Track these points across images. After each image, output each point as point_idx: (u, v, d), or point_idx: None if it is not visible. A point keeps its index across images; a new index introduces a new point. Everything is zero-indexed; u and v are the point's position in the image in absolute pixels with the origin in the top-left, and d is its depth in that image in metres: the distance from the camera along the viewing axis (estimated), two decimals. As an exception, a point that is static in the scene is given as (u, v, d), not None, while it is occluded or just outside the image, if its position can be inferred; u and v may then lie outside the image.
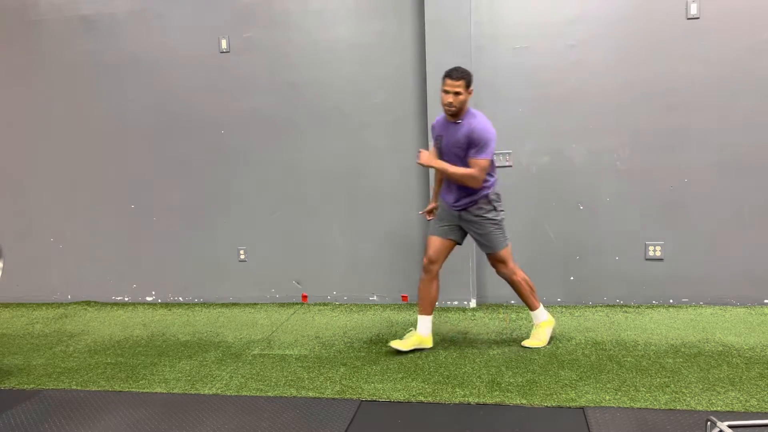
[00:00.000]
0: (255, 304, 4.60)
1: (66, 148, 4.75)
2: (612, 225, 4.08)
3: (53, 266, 4.91)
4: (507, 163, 4.15)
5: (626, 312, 3.96)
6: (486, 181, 3.23)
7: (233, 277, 4.64)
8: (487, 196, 3.26)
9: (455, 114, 3.18)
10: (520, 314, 4.00)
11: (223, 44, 4.42)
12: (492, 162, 3.24)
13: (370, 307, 4.35)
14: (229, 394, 2.95)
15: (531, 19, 4.02)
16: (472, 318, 3.97)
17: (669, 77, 3.90)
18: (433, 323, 3.87)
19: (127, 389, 3.06)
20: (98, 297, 4.88)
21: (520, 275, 3.38)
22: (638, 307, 4.06)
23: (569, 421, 2.53)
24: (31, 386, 3.16)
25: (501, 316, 4.00)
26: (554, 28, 4.00)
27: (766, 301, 3.97)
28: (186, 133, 4.56)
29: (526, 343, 3.40)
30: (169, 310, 4.56)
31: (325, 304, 4.47)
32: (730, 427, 1.97)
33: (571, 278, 4.17)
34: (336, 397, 2.85)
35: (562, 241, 4.16)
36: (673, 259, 4.03)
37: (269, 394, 2.92)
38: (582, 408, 2.63)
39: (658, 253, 4.04)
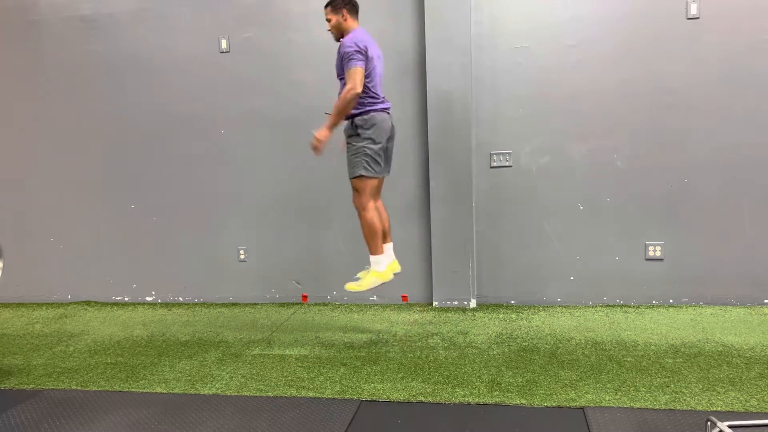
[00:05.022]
0: (255, 304, 4.60)
1: (66, 148, 4.75)
2: (612, 225, 4.08)
3: (53, 266, 4.91)
4: (507, 163, 4.15)
5: (626, 312, 3.96)
6: (363, 100, 3.22)
7: (233, 277, 4.64)
8: (353, 119, 3.27)
9: (339, 39, 3.32)
10: (520, 314, 4.01)
11: (223, 44, 4.42)
12: (366, 85, 3.22)
13: (370, 307, 4.35)
14: (229, 394, 2.94)
15: (531, 19, 4.02)
16: (472, 318, 3.97)
17: (669, 77, 3.90)
18: (425, 315, 3.88)
19: (127, 389, 3.06)
20: (98, 297, 4.88)
21: (369, 215, 3.33)
22: (638, 307, 4.06)
23: (569, 421, 2.53)
24: (31, 386, 3.15)
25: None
26: (554, 28, 4.00)
27: (766, 301, 3.97)
28: (186, 133, 4.57)
29: (347, 285, 3.45)
30: (169, 310, 4.56)
31: (325, 304, 4.47)
32: (730, 427, 1.97)
33: (571, 278, 4.17)
34: (336, 397, 2.85)
35: (562, 241, 4.16)
36: (673, 259, 4.03)
37: (269, 394, 2.92)
38: (582, 408, 2.63)
39: (658, 253, 4.05)
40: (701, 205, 3.96)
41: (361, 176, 3.31)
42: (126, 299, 4.85)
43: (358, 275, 3.59)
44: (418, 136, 4.24)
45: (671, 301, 4.08)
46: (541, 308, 4.13)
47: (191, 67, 4.49)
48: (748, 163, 3.88)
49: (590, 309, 4.06)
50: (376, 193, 3.49)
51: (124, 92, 4.62)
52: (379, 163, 3.34)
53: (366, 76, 3.24)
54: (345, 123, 3.38)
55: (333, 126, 3.27)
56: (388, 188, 4.30)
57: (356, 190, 3.37)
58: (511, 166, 4.16)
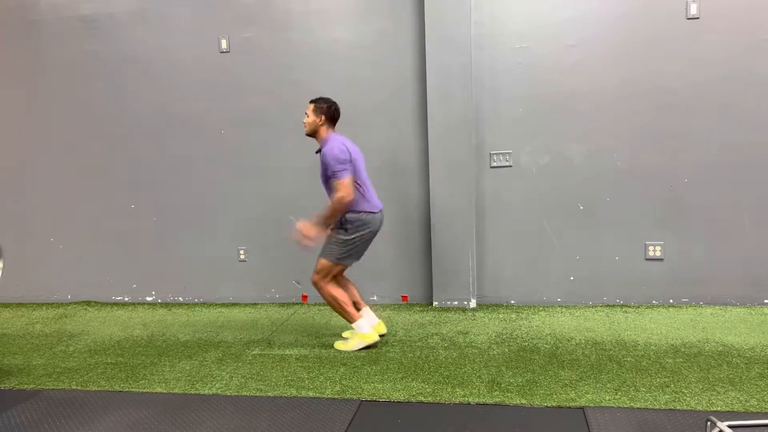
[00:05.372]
0: (255, 304, 4.60)
1: (66, 148, 4.75)
2: (612, 225, 4.08)
3: (53, 266, 4.91)
4: (507, 163, 4.15)
5: (626, 312, 3.96)
6: (356, 200, 3.31)
7: (233, 277, 4.64)
8: (342, 217, 3.34)
9: (310, 135, 3.44)
10: (520, 314, 4.01)
11: (223, 44, 4.42)
12: (358, 184, 3.33)
13: (370, 307, 4.34)
14: (229, 394, 2.94)
15: (531, 19, 4.02)
16: (472, 318, 3.97)
17: (669, 77, 3.90)
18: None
19: (127, 389, 3.06)
20: (98, 297, 4.88)
21: (327, 290, 3.41)
22: (638, 307, 4.06)
23: (569, 421, 2.53)
24: (31, 386, 3.15)
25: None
26: (554, 28, 4.00)
27: (766, 301, 3.97)
28: (186, 133, 4.57)
29: (336, 344, 3.49)
30: (169, 310, 4.56)
31: (325, 304, 4.47)
32: (730, 427, 1.97)
33: (571, 278, 4.17)
34: (336, 397, 2.85)
35: (562, 241, 4.16)
36: (673, 259, 4.03)
37: (269, 394, 2.92)
38: (582, 408, 2.63)
39: (658, 253, 4.05)
40: (701, 205, 3.96)
41: (330, 261, 3.39)
42: (126, 299, 4.85)
43: (345, 334, 3.64)
44: (418, 136, 4.23)
45: (671, 301, 4.08)
46: (541, 308, 4.13)
47: (191, 67, 4.49)
48: (748, 163, 3.88)
49: (590, 309, 4.06)
50: (339, 274, 3.52)
51: (124, 92, 4.62)
52: (353, 257, 3.43)
53: (356, 179, 3.33)
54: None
55: (323, 226, 3.34)
56: (388, 188, 4.32)
57: (320, 268, 3.41)
58: (511, 166, 4.16)
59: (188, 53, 4.48)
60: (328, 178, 3.32)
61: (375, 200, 3.44)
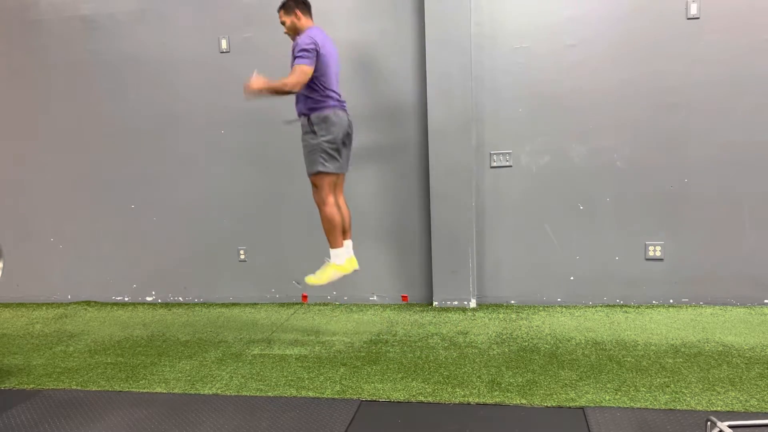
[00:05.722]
0: (255, 304, 4.60)
1: (66, 148, 4.75)
2: (612, 225, 4.08)
3: (53, 266, 4.91)
4: (507, 163, 4.15)
5: (626, 312, 3.96)
6: (318, 97, 3.28)
7: (233, 277, 4.64)
8: (308, 116, 3.32)
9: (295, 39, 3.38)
10: (520, 314, 4.01)
11: (223, 44, 4.42)
12: (322, 84, 3.29)
13: (370, 307, 4.35)
14: (229, 394, 2.95)
15: (531, 19, 4.02)
16: (472, 318, 3.97)
17: (669, 77, 3.90)
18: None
19: (127, 389, 3.06)
20: (98, 297, 4.88)
21: (328, 210, 3.42)
22: (638, 307, 4.06)
23: (569, 421, 2.53)
24: (31, 386, 3.15)
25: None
26: (554, 28, 4.00)
27: (766, 301, 3.97)
28: (186, 133, 4.57)
29: (307, 278, 3.52)
30: (169, 310, 4.56)
31: (325, 304, 4.47)
32: (730, 427, 1.97)
33: (571, 278, 4.18)
34: (336, 397, 2.85)
35: (562, 241, 4.16)
36: (673, 259, 4.03)
37: (269, 394, 2.92)
38: (582, 408, 2.63)
39: (658, 253, 4.05)
40: (701, 205, 3.96)
41: (319, 172, 3.39)
42: (126, 299, 4.85)
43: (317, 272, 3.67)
44: (418, 136, 4.23)
45: (671, 301, 4.08)
46: (541, 308, 4.13)
47: (191, 67, 4.49)
48: (748, 163, 3.88)
49: (590, 309, 4.06)
50: (337, 189, 3.55)
51: (124, 92, 4.62)
52: (336, 159, 3.40)
53: (321, 75, 3.31)
54: (302, 119, 3.43)
55: (263, 89, 3.25)
56: (388, 188, 4.32)
57: (315, 186, 3.45)
58: (511, 166, 4.16)
59: (188, 53, 4.48)
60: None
61: (338, 94, 3.42)
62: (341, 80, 4.28)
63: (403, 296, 4.42)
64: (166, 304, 4.71)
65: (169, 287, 4.76)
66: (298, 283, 4.56)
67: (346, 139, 3.45)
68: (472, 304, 4.23)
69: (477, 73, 4.11)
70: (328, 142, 3.35)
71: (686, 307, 3.99)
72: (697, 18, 3.83)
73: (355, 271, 3.62)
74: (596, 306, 4.13)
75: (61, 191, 4.81)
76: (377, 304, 4.42)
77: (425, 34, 4.06)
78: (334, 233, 3.46)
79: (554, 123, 4.06)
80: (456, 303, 4.24)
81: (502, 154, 4.15)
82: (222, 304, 4.65)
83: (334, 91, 3.39)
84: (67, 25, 4.62)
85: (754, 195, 3.90)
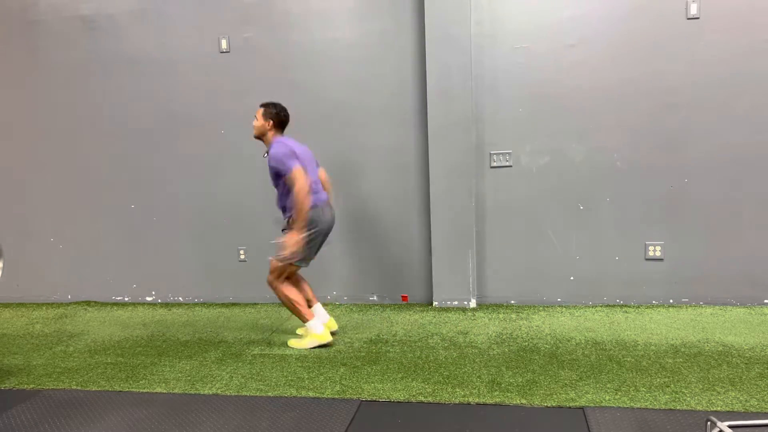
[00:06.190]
0: (255, 304, 4.60)
1: (66, 148, 4.75)
2: (612, 225, 4.08)
3: (53, 266, 4.91)
4: (507, 163, 4.15)
5: (626, 312, 3.96)
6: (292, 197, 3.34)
7: (233, 277, 4.64)
8: (290, 216, 3.39)
9: (258, 138, 3.53)
10: (520, 314, 4.01)
11: (223, 44, 4.42)
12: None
13: (370, 307, 4.35)
14: (229, 394, 2.94)
15: (531, 19, 4.02)
16: (472, 318, 3.97)
17: (669, 77, 3.90)
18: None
19: (127, 389, 3.06)
20: (98, 297, 4.88)
21: (282, 290, 3.47)
22: (638, 307, 4.06)
23: (569, 421, 2.53)
24: (31, 386, 3.15)
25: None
26: (554, 28, 4.00)
27: (766, 301, 3.97)
28: (186, 133, 4.57)
29: (290, 341, 3.57)
30: (169, 310, 4.56)
31: (325, 304, 4.47)
32: (730, 427, 1.97)
33: (571, 278, 4.18)
34: (336, 397, 2.85)
35: (562, 241, 4.16)
36: (673, 259, 4.03)
37: (269, 394, 2.92)
38: (582, 408, 2.63)
39: (658, 253, 4.05)
40: (701, 205, 3.96)
41: (281, 262, 3.42)
42: (126, 299, 4.85)
43: (299, 331, 3.73)
44: (418, 136, 4.23)
45: (671, 301, 4.08)
46: (541, 308, 4.13)
47: (191, 67, 4.49)
48: (748, 163, 3.88)
49: (590, 309, 4.06)
50: (293, 274, 3.57)
51: (124, 92, 4.62)
52: (305, 258, 3.45)
53: None
54: (285, 217, 3.47)
55: (301, 228, 3.33)
56: (388, 188, 4.32)
57: (273, 269, 3.47)
58: (511, 166, 4.16)
59: (188, 53, 4.48)
60: (278, 180, 3.38)
61: (322, 194, 3.47)
62: (341, 81, 4.31)
63: (403, 296, 4.42)
64: (166, 304, 4.71)
65: (169, 287, 4.76)
66: (298, 283, 4.55)
67: (323, 237, 3.49)
68: (472, 304, 4.23)
69: (477, 73, 4.11)
70: (314, 240, 3.41)
71: (686, 307, 3.99)
72: (697, 18, 3.83)
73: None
74: (596, 306, 4.13)
75: (61, 191, 4.81)
76: (377, 304, 4.42)
77: (425, 34, 4.06)
78: (297, 310, 3.49)
79: (554, 123, 4.07)
80: (456, 303, 4.24)
81: (502, 154, 4.15)
82: (222, 304, 4.65)
83: (316, 189, 3.44)
84: (67, 25, 4.62)
85: (754, 195, 3.90)
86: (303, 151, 3.46)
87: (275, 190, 3.50)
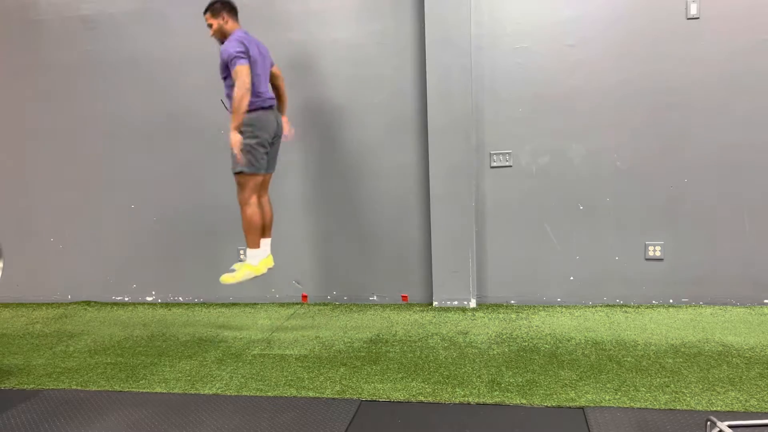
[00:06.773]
0: (255, 304, 4.60)
1: (66, 148, 4.75)
2: (612, 225, 4.08)
3: (53, 266, 4.91)
4: (507, 163, 4.15)
5: (626, 312, 3.96)
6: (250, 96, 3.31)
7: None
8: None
9: (222, 41, 3.46)
10: (520, 314, 4.01)
11: (223, 44, 4.42)
12: (252, 82, 3.33)
13: (370, 307, 4.35)
14: (229, 394, 2.95)
15: (531, 19, 4.02)
16: (472, 318, 3.98)
17: (669, 77, 3.90)
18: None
19: (127, 389, 3.06)
20: (98, 297, 4.88)
21: (248, 211, 3.47)
22: (638, 307, 4.06)
23: (569, 421, 2.53)
24: (31, 386, 3.16)
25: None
26: (554, 28, 4.00)
27: (766, 301, 3.97)
28: (186, 133, 4.57)
29: (222, 277, 3.58)
30: (169, 310, 4.56)
31: (325, 304, 4.47)
32: (730, 427, 1.97)
33: (571, 278, 4.18)
34: (336, 397, 2.85)
35: (562, 241, 4.16)
36: (673, 259, 4.03)
37: (269, 394, 2.92)
38: (582, 408, 2.63)
39: (658, 253, 4.05)
40: (701, 205, 3.96)
41: (242, 172, 3.42)
42: (126, 299, 4.85)
43: (234, 266, 3.72)
44: (418, 136, 4.23)
45: (671, 301, 4.08)
46: (541, 308, 4.13)
47: (191, 67, 4.49)
48: (748, 163, 3.88)
49: (590, 309, 4.07)
50: (261, 189, 3.59)
51: (124, 92, 4.62)
52: (261, 160, 3.44)
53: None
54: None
55: (238, 127, 3.32)
56: (388, 188, 4.32)
57: (238, 185, 3.48)
58: (511, 166, 4.16)
59: (188, 53, 4.48)
60: (226, 73, 3.34)
61: (267, 100, 3.46)
62: (341, 81, 4.30)
63: (403, 296, 4.42)
64: (166, 304, 4.71)
65: (169, 287, 4.76)
66: (298, 283, 4.56)
67: (274, 140, 3.49)
68: (472, 304, 4.23)
69: (477, 73, 4.11)
70: (255, 141, 3.39)
71: (686, 307, 3.99)
72: (697, 18, 3.83)
73: (269, 269, 3.68)
74: (596, 306, 4.13)
75: (61, 191, 4.81)
76: (377, 304, 4.42)
77: (425, 34, 4.06)
78: (252, 235, 3.51)
79: (554, 123, 4.07)
80: (456, 303, 4.24)
81: (502, 154, 4.15)
82: (222, 304, 4.65)
83: (261, 92, 3.43)
84: (67, 25, 4.62)
85: (754, 195, 3.90)
86: (257, 51, 3.43)
87: (225, 84, 3.48)
